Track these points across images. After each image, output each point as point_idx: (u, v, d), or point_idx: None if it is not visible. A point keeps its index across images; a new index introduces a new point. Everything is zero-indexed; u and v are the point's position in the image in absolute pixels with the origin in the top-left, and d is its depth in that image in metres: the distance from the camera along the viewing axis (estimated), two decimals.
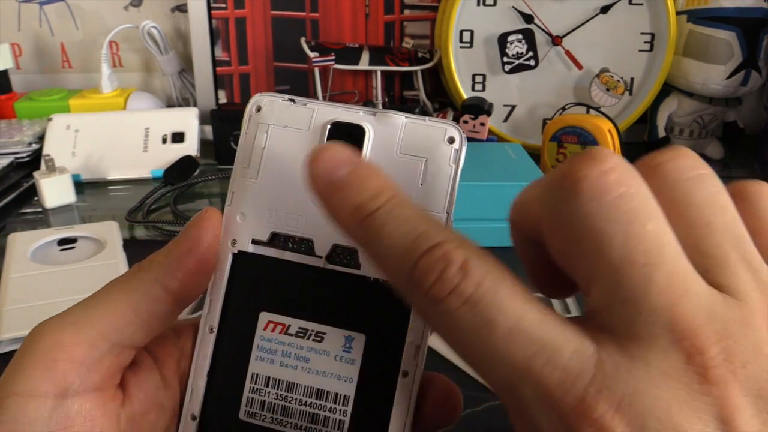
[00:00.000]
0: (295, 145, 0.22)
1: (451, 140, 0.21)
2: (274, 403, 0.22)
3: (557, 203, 0.17)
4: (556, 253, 0.17)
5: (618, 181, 0.16)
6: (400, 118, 0.22)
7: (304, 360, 0.22)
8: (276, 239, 0.22)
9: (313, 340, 0.22)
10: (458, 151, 0.21)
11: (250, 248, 0.22)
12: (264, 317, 0.22)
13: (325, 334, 0.22)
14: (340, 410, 0.22)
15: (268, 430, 0.22)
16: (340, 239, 0.22)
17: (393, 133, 0.22)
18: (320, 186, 0.19)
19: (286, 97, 0.23)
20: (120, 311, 0.21)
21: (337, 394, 0.22)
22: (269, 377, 0.22)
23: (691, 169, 0.18)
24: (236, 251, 0.23)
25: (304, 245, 0.22)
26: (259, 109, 0.23)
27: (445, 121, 0.22)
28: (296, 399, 0.22)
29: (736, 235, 0.17)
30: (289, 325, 0.22)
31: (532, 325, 0.16)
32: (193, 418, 0.22)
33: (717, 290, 0.16)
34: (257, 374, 0.22)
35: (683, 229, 0.17)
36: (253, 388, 0.22)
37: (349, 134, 0.22)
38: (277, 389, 0.22)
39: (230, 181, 0.23)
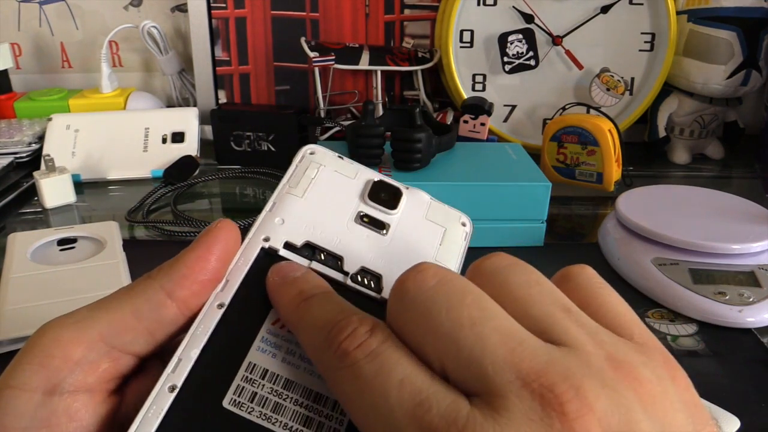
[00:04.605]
0: (341, 185, 0.26)
1: (464, 224, 0.26)
2: (267, 397, 0.21)
3: (391, 310, 0.20)
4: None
5: (434, 274, 0.19)
6: (426, 196, 0.26)
7: (309, 362, 0.21)
8: (307, 249, 0.24)
9: None
10: (467, 234, 0.26)
11: (281, 251, 0.24)
12: (275, 313, 0.22)
13: None
14: (336, 419, 0.21)
15: (252, 425, 0.20)
16: (369, 263, 0.24)
17: (421, 203, 0.26)
18: (274, 280, 0.22)
19: (336, 153, 0.27)
20: (121, 315, 0.21)
21: (337, 402, 0.21)
22: (267, 370, 0.21)
23: (503, 261, 0.21)
24: (267, 246, 0.24)
25: (333, 260, 0.24)
26: (313, 153, 0.26)
27: (460, 211, 0.26)
28: (292, 398, 0.21)
29: (556, 297, 0.20)
30: None
31: (421, 380, 0.18)
32: (172, 389, 0.20)
33: (552, 344, 0.18)
34: (254, 364, 0.21)
35: (509, 305, 0.19)
36: (247, 377, 0.21)
37: (387, 192, 0.26)
38: (273, 384, 0.21)
39: (273, 195, 0.25)
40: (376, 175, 0.26)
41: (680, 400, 0.18)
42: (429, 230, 0.25)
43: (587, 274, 0.22)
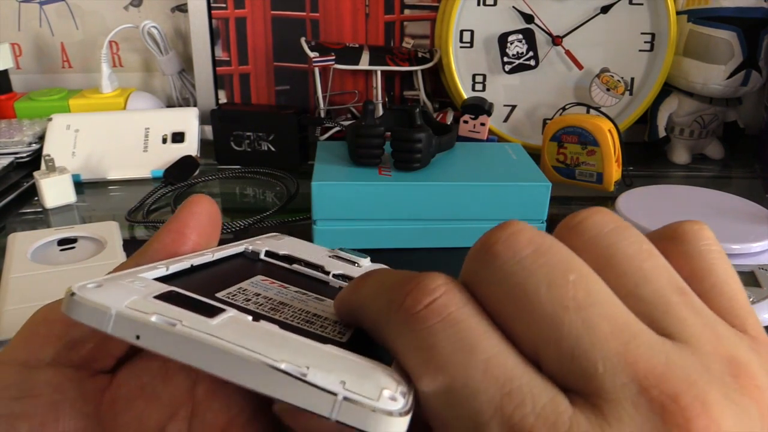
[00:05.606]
0: (310, 246, 0.28)
1: None
2: (262, 303, 0.20)
3: (471, 274, 0.16)
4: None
5: (530, 240, 0.16)
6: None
7: (302, 301, 0.21)
8: (288, 258, 0.25)
9: (315, 298, 0.22)
10: None
11: (263, 256, 0.25)
12: (261, 277, 0.23)
13: (325, 300, 0.22)
14: (340, 327, 0.19)
15: (249, 310, 0.19)
16: (348, 273, 0.25)
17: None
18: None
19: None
20: None
21: (337, 321, 0.20)
22: (259, 293, 0.20)
23: (609, 223, 0.17)
24: (250, 249, 0.25)
25: (314, 267, 0.25)
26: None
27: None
28: (288, 310, 0.20)
29: (671, 276, 0.17)
30: (289, 286, 0.22)
31: (512, 364, 0.15)
32: (165, 267, 0.20)
33: (666, 338, 0.15)
34: (245, 288, 0.20)
35: (615, 280, 0.16)
36: (239, 290, 0.20)
37: (350, 260, 0.27)
38: (267, 300, 0.20)
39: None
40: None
41: None
42: None
43: (705, 239, 0.18)
